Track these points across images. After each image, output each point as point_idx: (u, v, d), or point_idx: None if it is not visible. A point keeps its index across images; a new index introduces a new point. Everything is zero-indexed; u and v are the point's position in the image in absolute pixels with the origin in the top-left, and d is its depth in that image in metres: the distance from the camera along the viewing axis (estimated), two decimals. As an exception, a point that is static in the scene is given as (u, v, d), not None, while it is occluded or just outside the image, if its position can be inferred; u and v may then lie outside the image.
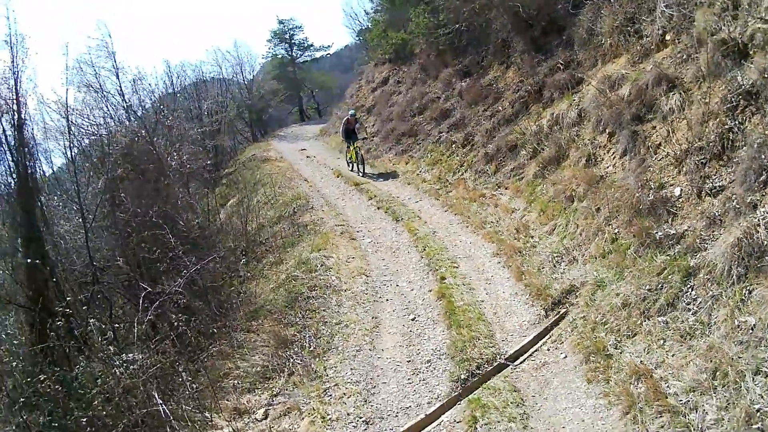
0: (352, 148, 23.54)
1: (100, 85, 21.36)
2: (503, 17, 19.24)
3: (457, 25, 21.42)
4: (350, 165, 24.23)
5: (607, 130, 12.77)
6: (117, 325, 11.71)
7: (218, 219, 20.32)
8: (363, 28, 40.69)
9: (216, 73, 43.79)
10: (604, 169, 12.29)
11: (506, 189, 15.67)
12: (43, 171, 15.77)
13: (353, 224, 16.65)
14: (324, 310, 11.74)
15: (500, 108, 18.41)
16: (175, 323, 9.92)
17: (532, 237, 12.77)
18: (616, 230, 10.49)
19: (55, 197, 15.39)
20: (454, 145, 19.79)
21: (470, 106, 20.31)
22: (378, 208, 17.69)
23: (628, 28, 13.63)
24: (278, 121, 53.06)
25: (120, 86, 23.47)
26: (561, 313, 10.10)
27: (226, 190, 27.57)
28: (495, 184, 16.24)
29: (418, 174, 20.43)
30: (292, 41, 52.34)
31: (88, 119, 17.91)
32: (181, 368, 8.98)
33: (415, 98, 24.84)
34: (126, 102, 23.57)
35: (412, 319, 10.86)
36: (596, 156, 12.82)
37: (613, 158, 12.18)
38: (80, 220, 13.87)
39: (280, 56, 52.70)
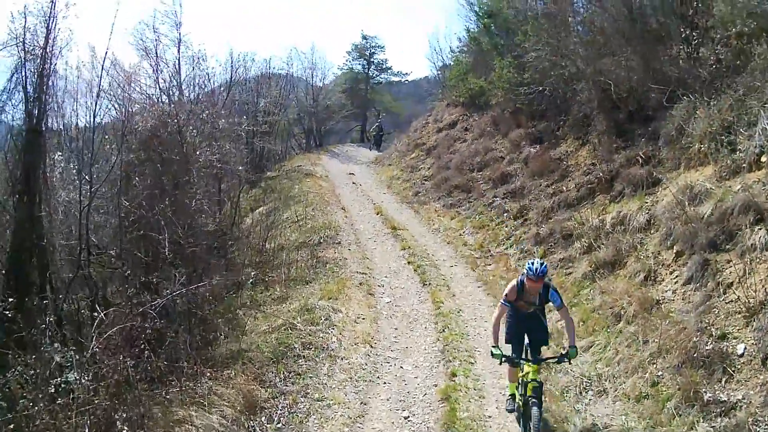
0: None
1: (157, 54, 20.82)
2: (590, 91, 18.06)
3: (540, 88, 20.24)
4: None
5: (675, 248, 11.48)
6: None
7: (244, 223, 19.62)
8: (444, 64, 39.80)
9: (285, 71, 42.97)
10: (662, 292, 10.99)
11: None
12: (63, 130, 14.63)
13: (376, 275, 15.60)
14: (311, 377, 10.48)
15: (564, 188, 17.26)
16: (139, 348, 8.84)
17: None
18: (660, 373, 9.19)
19: (63, 163, 14.20)
20: (506, 214, 18.73)
21: (533, 177, 19.20)
22: (408, 263, 16.62)
23: (722, 137, 12.30)
24: (338, 135, 52.71)
25: (179, 60, 23.03)
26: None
27: (262, 194, 26.61)
28: (540, 272, 14.94)
29: (461, 235, 19.34)
30: (371, 59, 51.82)
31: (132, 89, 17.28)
32: (121, 414, 7.65)
33: (479, 152, 23.78)
34: (179, 79, 23.03)
35: (405, 418, 9.48)
36: (657, 274, 11.54)
37: (676, 283, 10.89)
38: (83, 193, 12.75)
39: (356, 71, 52.23)
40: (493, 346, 8.38)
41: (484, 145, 24.05)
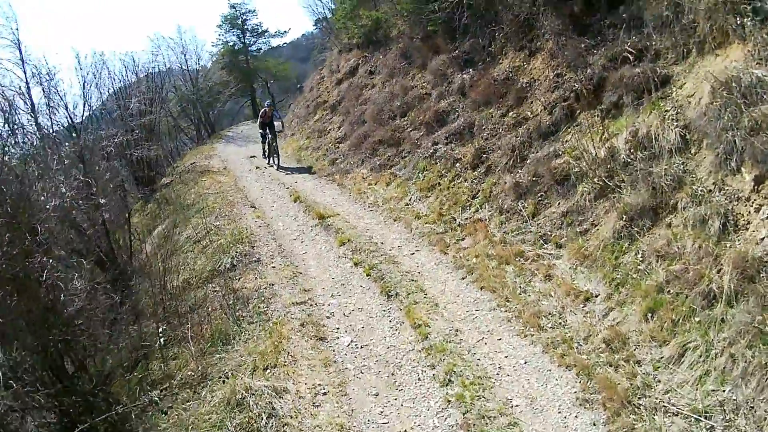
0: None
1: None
2: None
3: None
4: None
5: (746, 171, 7.76)
6: None
7: (142, 251, 15.91)
8: (323, 13, 35.48)
9: (153, 64, 38.35)
10: (760, 243, 7.02)
11: (559, 247, 10.32)
12: None
13: (319, 299, 10.86)
14: None
15: (529, 113, 13.15)
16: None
17: (639, 363, 7.29)
18: None
19: None
20: (458, 164, 14.44)
21: (479, 108, 15.03)
22: (355, 265, 12.02)
23: (743, 5, 8.70)
24: (231, 115, 49.32)
25: (27, 83, 19.27)
26: None
27: (157, 210, 22.38)
28: (537, 236, 10.85)
29: (407, 204, 14.92)
30: (245, 27, 47.34)
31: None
32: None
33: (396, 94, 19.44)
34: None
35: None
36: (736, 216, 7.63)
37: None
38: None
39: (231, 44, 47.73)
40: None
41: (400, 84, 19.79)
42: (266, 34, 48.88)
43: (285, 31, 51.86)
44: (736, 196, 7.74)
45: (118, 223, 15.39)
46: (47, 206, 9.71)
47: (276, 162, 23.03)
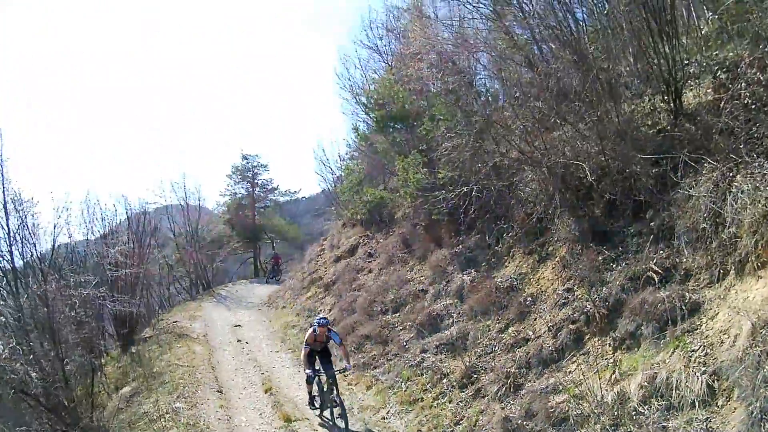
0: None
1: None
2: (542, 181, 13.14)
3: (464, 189, 15.03)
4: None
5: None
6: None
7: (107, 407, 16.06)
8: (332, 184, 35.54)
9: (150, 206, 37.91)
10: None
11: None
12: None
13: None
14: None
15: (531, 333, 11.97)
16: None
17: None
18: None
19: None
20: (445, 380, 13.08)
21: (476, 317, 13.95)
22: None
23: None
24: (230, 271, 48.49)
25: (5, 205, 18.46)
26: None
27: (129, 366, 21.06)
28: (526, 495, 9.24)
29: (384, 417, 13.44)
30: (255, 180, 48.39)
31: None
32: None
33: (390, 286, 18.50)
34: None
35: None
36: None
37: None
38: None
39: (239, 196, 48.62)
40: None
41: (396, 275, 18.99)
42: (276, 191, 49.64)
43: (295, 191, 51.79)
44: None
45: (83, 374, 15.48)
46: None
47: (342, 423, 12.69)
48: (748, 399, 6.94)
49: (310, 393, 14.20)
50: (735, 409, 7.23)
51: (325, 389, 13.48)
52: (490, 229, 15.46)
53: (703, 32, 12.04)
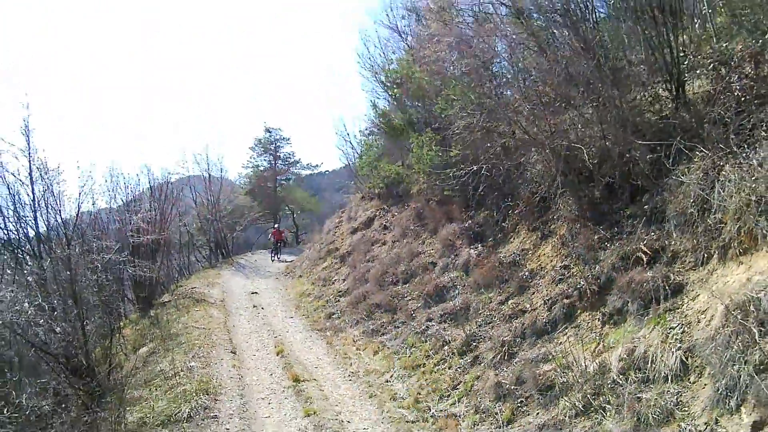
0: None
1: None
2: (546, 162, 13.46)
3: (474, 167, 15.40)
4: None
5: (745, 410, 6.85)
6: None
7: (125, 365, 16.31)
8: (354, 151, 35.59)
9: (176, 176, 38.74)
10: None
11: (533, 472, 9.16)
12: None
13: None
14: None
15: (528, 305, 12.37)
16: None
17: None
18: None
19: None
20: (447, 347, 13.54)
21: (479, 290, 14.34)
22: (317, 448, 10.97)
23: None
24: (252, 241, 48.56)
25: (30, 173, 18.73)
26: None
27: (148, 329, 21.36)
28: (511, 449, 9.70)
29: (387, 381, 13.86)
30: (277, 153, 48.91)
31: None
32: None
33: (402, 258, 18.98)
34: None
35: None
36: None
37: None
38: None
39: (261, 168, 48.78)
40: None
41: (408, 248, 19.39)
42: (298, 164, 50.11)
43: (317, 165, 52.01)
44: (739, 447, 6.74)
45: (102, 335, 15.45)
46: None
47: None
48: (717, 376, 7.25)
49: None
50: (705, 385, 7.54)
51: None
52: (498, 207, 15.84)
53: (708, 24, 12.28)
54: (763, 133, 8.93)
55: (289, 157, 49.42)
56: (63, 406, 11.47)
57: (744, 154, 8.93)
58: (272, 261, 35.52)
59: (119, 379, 14.68)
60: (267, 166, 48.84)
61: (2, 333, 10.32)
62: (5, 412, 8.70)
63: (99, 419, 11.83)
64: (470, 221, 16.93)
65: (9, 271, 11.47)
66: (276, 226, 37.08)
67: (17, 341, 12.62)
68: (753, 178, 8.39)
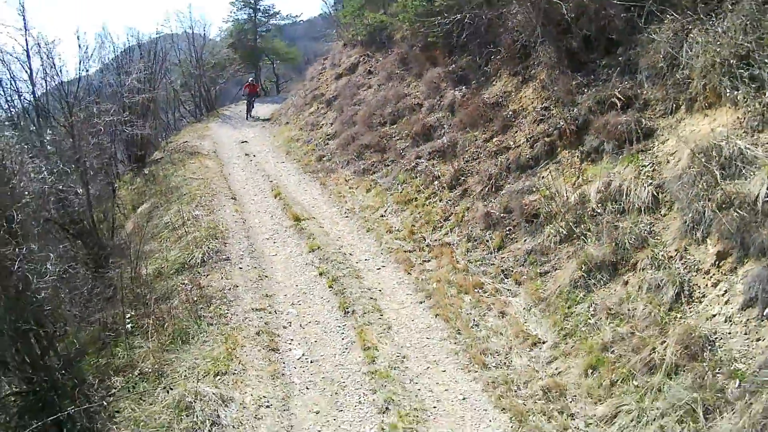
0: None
1: None
2: (527, 14, 14.07)
3: (459, 16, 16.06)
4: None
5: (711, 243, 7.95)
6: None
7: (124, 227, 17.36)
8: (334, 7, 35.42)
9: (158, 35, 38.51)
10: (710, 320, 7.28)
11: (518, 284, 10.64)
12: None
13: (280, 307, 11.17)
14: None
15: (512, 143, 13.42)
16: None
17: (573, 417, 7.54)
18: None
19: None
20: (437, 182, 14.73)
21: (465, 129, 15.27)
22: (320, 274, 12.27)
23: (740, 70, 8.78)
24: (234, 91, 47.69)
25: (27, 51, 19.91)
26: None
27: (144, 186, 22.10)
28: (499, 269, 11.17)
29: (382, 216, 15.15)
30: (257, 6, 47.24)
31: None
32: None
33: (389, 100, 19.63)
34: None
35: None
36: (692, 287, 7.84)
37: (727, 304, 7.25)
38: None
39: (242, 21, 47.58)
40: None
41: (394, 90, 19.98)
42: (278, 15, 48.93)
43: (296, 15, 51.59)
44: (696, 267, 7.97)
45: (103, 199, 15.92)
46: (26, 192, 9.78)
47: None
48: (684, 210, 8.40)
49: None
50: (674, 218, 8.70)
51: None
52: (481, 53, 16.32)
53: None
54: (729, 6, 9.59)
55: (269, 9, 48.06)
56: (74, 270, 11.71)
57: (710, 22, 9.64)
58: (247, 119, 33.39)
59: (124, 238, 15.70)
60: (247, 19, 47.74)
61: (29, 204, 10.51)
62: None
63: (116, 276, 12.31)
64: (454, 65, 17.44)
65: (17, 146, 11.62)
66: (251, 80, 35.78)
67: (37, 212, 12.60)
68: (718, 43, 9.18)
